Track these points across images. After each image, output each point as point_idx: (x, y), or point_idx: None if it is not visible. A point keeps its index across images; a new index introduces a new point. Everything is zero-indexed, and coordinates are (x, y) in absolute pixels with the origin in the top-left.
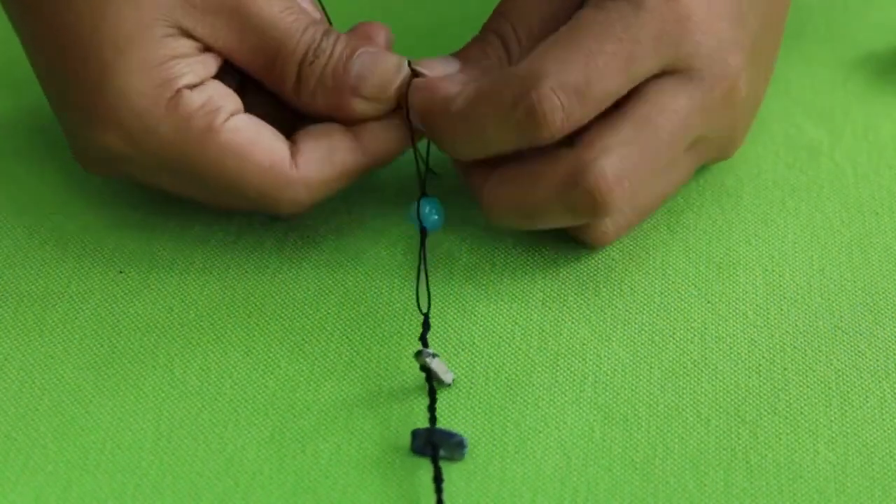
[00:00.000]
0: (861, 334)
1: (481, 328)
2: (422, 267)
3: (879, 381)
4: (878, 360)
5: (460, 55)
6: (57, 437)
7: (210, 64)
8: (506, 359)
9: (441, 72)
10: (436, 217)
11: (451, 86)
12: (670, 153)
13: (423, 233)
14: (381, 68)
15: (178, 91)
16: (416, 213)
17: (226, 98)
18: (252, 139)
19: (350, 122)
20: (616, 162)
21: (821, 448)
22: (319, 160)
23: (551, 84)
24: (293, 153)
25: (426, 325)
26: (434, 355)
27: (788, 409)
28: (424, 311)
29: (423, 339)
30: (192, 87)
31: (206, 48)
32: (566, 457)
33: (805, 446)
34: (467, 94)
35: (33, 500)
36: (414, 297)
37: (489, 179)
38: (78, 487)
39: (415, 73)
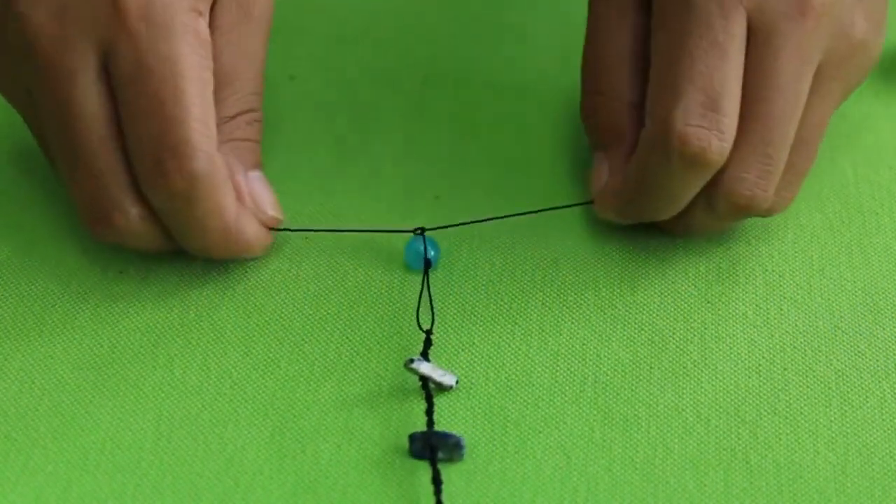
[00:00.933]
0: (861, 334)
1: (481, 328)
2: (423, 291)
3: (879, 381)
4: (878, 360)
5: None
6: (57, 437)
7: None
8: (506, 359)
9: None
10: (433, 253)
11: (603, 177)
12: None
13: (427, 264)
14: (269, 193)
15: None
16: (417, 248)
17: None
18: (199, 78)
19: None
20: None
21: (821, 448)
22: (220, 164)
23: (683, 120)
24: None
25: (428, 343)
26: (422, 361)
27: (788, 409)
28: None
29: (424, 354)
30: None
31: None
32: (566, 457)
33: (805, 446)
34: (625, 178)
35: (33, 500)
36: (414, 292)
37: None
38: (78, 487)
39: None
